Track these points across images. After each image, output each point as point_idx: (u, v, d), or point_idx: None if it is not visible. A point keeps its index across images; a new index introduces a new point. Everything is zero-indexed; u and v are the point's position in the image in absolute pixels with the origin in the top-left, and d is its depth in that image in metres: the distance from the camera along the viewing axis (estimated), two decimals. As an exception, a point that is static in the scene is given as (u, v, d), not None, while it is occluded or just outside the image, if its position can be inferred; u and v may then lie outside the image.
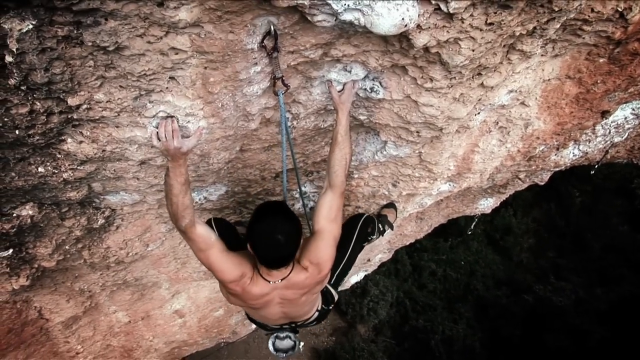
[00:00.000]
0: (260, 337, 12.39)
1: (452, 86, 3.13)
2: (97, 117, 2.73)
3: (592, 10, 2.88)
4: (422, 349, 14.24)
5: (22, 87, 2.31)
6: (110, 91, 2.60)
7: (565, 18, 2.82)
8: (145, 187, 3.64)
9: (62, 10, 2.05)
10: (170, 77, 2.64)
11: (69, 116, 2.63)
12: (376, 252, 8.12)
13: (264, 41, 2.59)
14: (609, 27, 3.08)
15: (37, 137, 2.63)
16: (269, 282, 3.14)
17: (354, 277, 9.14)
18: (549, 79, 3.66)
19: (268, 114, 3.29)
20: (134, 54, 2.40)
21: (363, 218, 4.49)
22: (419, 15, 2.43)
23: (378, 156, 4.20)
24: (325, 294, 3.89)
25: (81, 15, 2.11)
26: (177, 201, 2.88)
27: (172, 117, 2.85)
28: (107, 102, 2.64)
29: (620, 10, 2.87)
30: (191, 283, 6.24)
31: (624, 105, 4.27)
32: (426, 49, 2.71)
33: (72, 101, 2.52)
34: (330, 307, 4.02)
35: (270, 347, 3.92)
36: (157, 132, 2.85)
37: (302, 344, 3.50)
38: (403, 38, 2.66)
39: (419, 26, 2.51)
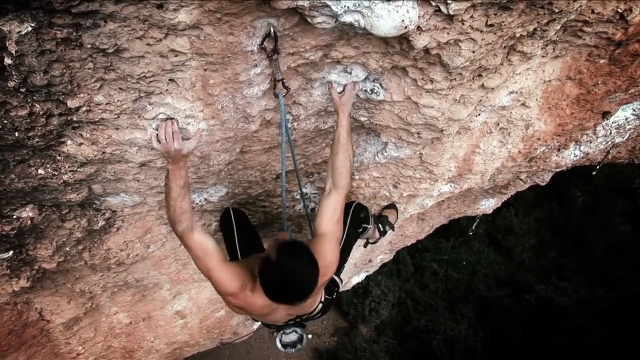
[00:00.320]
0: (262, 338, 12.39)
1: (452, 87, 3.12)
2: (96, 119, 2.73)
3: (593, 12, 2.88)
4: (424, 349, 14.21)
5: (22, 90, 2.31)
6: (109, 93, 2.59)
7: (565, 19, 2.82)
8: (146, 188, 3.64)
9: (61, 12, 2.05)
10: (169, 79, 2.64)
11: (69, 118, 2.63)
12: (377, 253, 8.11)
13: (264, 43, 2.59)
14: (610, 29, 3.07)
15: (37, 139, 2.63)
16: None
17: (355, 278, 9.14)
18: (549, 80, 3.66)
19: (268, 115, 3.28)
20: (133, 56, 2.40)
21: (354, 205, 4.39)
22: (419, 16, 2.43)
23: (379, 157, 4.19)
24: (329, 284, 3.84)
25: (80, 18, 2.11)
26: (175, 205, 2.87)
27: (172, 119, 2.85)
28: (106, 104, 2.64)
29: (621, 11, 2.87)
30: (192, 284, 6.23)
31: (625, 106, 4.26)
32: (426, 50, 2.70)
33: (71, 103, 2.52)
34: (334, 296, 3.99)
35: (278, 344, 3.90)
36: (157, 134, 2.85)
37: (309, 336, 3.47)
38: (403, 40, 2.65)
39: (419, 28, 2.51)
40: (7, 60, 2.12)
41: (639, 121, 4.58)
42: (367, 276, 9.77)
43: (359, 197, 4.92)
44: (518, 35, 2.76)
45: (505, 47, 2.92)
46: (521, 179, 5.64)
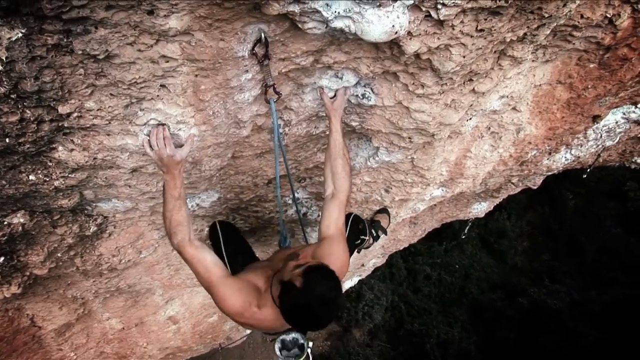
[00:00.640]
0: (255, 342, 12.37)
1: (443, 92, 3.14)
2: (88, 125, 2.72)
3: (582, 17, 2.90)
4: (417, 352, 14.25)
5: (12, 96, 2.29)
6: (100, 99, 2.58)
7: (555, 24, 2.84)
8: (137, 194, 3.63)
9: (51, 18, 2.04)
10: (161, 85, 2.63)
11: (60, 124, 2.62)
12: (370, 257, 8.12)
13: (255, 49, 2.59)
14: (599, 33, 3.10)
15: (28, 145, 2.61)
16: None
17: (348, 282, 9.14)
18: (540, 84, 3.68)
19: (260, 120, 3.28)
20: (124, 62, 2.39)
21: (352, 216, 4.48)
22: (409, 22, 2.43)
23: (370, 162, 4.20)
24: None
25: (71, 24, 2.10)
26: (170, 216, 2.85)
27: (163, 125, 2.84)
28: (97, 110, 2.63)
29: (609, 16, 2.90)
30: (185, 289, 6.22)
31: (615, 109, 4.29)
32: (417, 55, 2.71)
33: (62, 109, 2.51)
34: None
35: (277, 352, 3.75)
36: (149, 140, 2.84)
37: (310, 343, 3.37)
38: (394, 45, 2.66)
39: (409, 33, 2.52)
40: (-3, 67, 2.11)
41: (629, 124, 4.61)
42: (360, 280, 9.78)
43: (351, 201, 4.93)
44: (508, 40, 2.77)
45: (495, 51, 2.93)
46: (513, 183, 5.67)
